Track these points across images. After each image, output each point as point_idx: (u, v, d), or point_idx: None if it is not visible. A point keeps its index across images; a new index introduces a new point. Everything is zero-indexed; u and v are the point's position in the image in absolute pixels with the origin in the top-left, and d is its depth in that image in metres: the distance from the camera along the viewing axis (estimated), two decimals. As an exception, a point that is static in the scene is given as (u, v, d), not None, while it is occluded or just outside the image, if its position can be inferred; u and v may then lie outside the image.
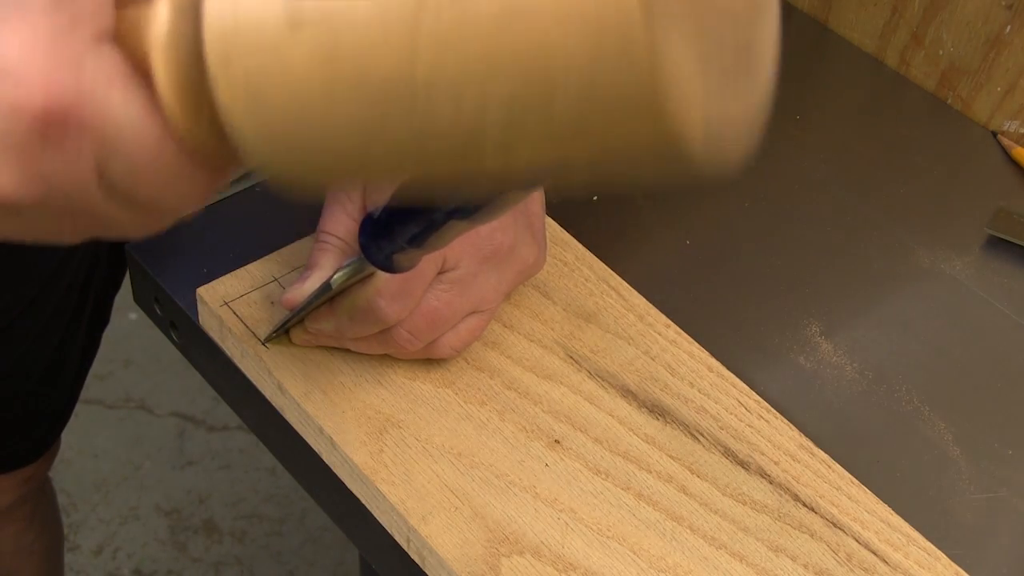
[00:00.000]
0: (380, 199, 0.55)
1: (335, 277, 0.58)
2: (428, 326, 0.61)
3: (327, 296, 0.59)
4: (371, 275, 0.58)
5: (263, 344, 0.64)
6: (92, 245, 0.89)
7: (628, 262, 0.72)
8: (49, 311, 0.87)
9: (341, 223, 0.61)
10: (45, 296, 0.86)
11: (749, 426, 0.64)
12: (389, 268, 0.55)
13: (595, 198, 0.78)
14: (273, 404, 0.64)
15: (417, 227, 0.51)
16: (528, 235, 0.63)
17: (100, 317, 0.98)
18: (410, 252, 0.53)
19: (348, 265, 0.57)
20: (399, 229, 0.52)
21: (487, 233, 0.60)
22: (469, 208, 0.48)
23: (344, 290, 0.59)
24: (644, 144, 0.33)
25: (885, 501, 0.62)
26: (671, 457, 0.62)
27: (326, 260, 0.60)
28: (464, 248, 0.60)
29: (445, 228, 0.50)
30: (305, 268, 0.61)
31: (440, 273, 0.60)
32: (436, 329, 0.61)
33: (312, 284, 0.60)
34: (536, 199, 0.65)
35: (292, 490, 1.71)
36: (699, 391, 0.65)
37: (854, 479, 0.63)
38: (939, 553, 0.61)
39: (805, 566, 0.59)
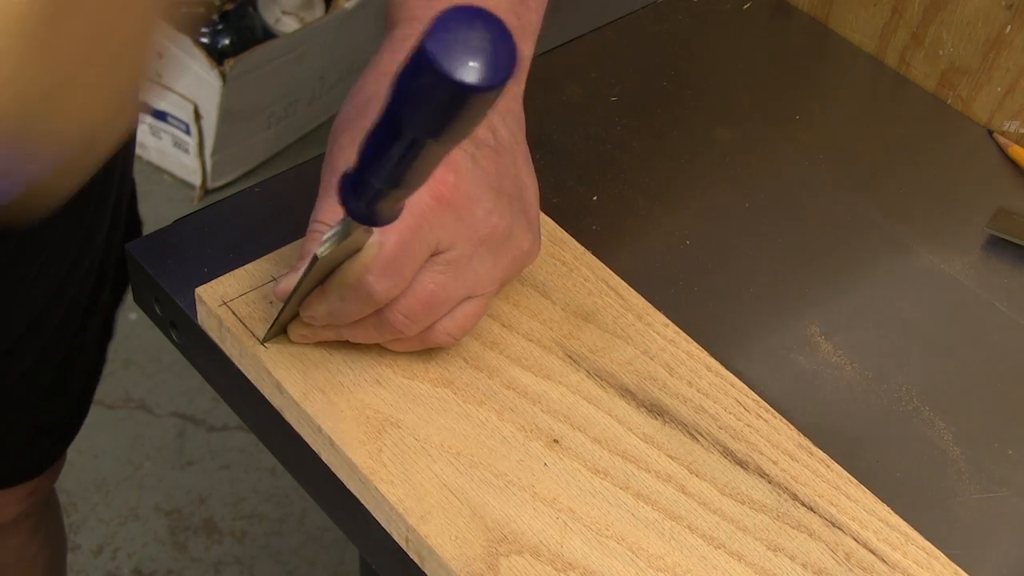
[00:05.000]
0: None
1: (321, 249, 0.57)
2: (423, 309, 0.60)
3: (316, 273, 0.59)
4: (359, 251, 0.57)
5: (262, 344, 0.64)
6: (97, 263, 0.89)
7: (628, 262, 0.72)
8: (50, 331, 0.87)
9: (334, 211, 0.60)
10: (46, 317, 0.86)
11: (748, 425, 0.64)
12: (373, 220, 0.54)
13: (595, 198, 0.78)
14: (272, 404, 0.64)
15: (390, 162, 0.50)
16: (523, 221, 0.63)
17: (107, 331, 0.98)
18: (390, 196, 0.52)
19: (332, 233, 0.57)
20: (374, 171, 0.51)
21: (483, 216, 0.60)
22: (434, 127, 0.47)
23: (334, 271, 0.59)
24: None
25: (885, 501, 0.62)
26: (670, 456, 0.62)
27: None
28: (459, 230, 0.60)
29: (420, 157, 0.49)
30: (298, 259, 0.61)
31: (434, 255, 0.60)
32: (432, 312, 0.61)
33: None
34: (531, 189, 0.64)
35: (292, 490, 1.71)
36: (698, 390, 0.65)
37: (852, 478, 0.63)
38: (937, 552, 0.61)
39: (804, 565, 0.59)
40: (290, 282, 0.60)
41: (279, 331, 0.64)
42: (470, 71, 0.45)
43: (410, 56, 0.46)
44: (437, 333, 0.62)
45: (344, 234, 0.56)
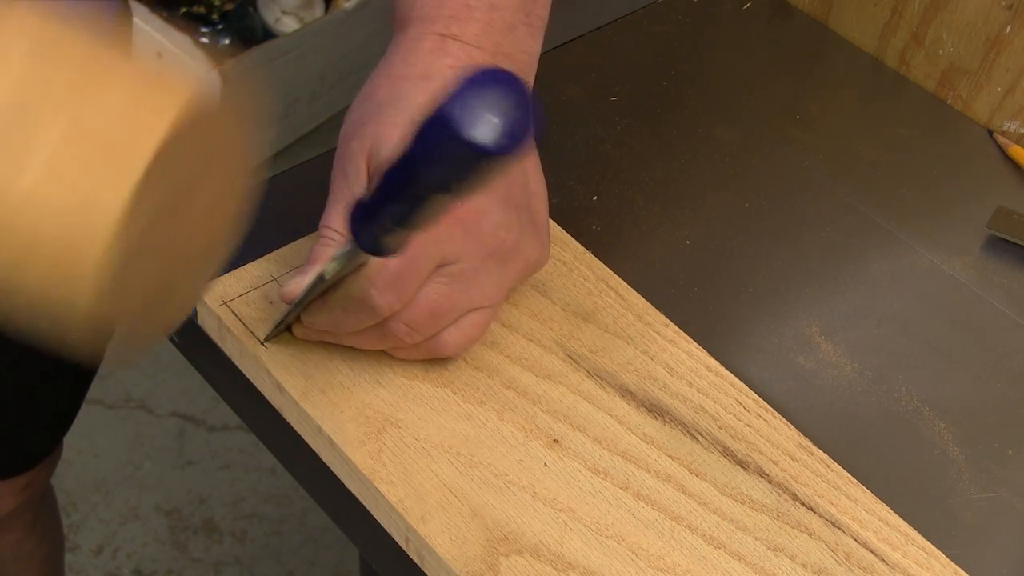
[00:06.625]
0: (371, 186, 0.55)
1: (327, 267, 0.58)
2: (426, 319, 0.60)
3: (321, 288, 0.59)
4: (364, 265, 0.58)
5: (262, 344, 0.64)
6: None
7: (628, 262, 0.72)
8: None
9: (343, 219, 0.60)
10: None
11: (748, 425, 0.64)
12: (378, 251, 0.55)
13: (595, 198, 0.78)
14: (272, 404, 0.64)
15: (402, 206, 0.51)
16: (532, 232, 0.63)
17: None
18: (398, 233, 0.53)
19: (339, 254, 0.57)
20: (386, 210, 0.52)
21: (490, 230, 0.60)
22: (449, 183, 0.48)
23: (338, 282, 0.59)
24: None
25: (885, 501, 0.62)
26: (670, 456, 0.62)
27: (327, 255, 0.60)
28: (466, 243, 0.60)
29: (429, 204, 0.50)
30: (306, 263, 0.61)
31: (439, 267, 0.60)
32: (435, 323, 0.61)
33: (311, 277, 0.60)
34: (540, 197, 0.64)
35: (292, 490, 1.71)
36: (698, 390, 0.65)
37: (852, 478, 0.63)
38: (937, 552, 0.61)
39: (804, 565, 0.59)
40: (296, 287, 0.60)
41: (282, 331, 0.64)
42: (488, 136, 0.45)
43: (430, 114, 0.46)
44: (442, 343, 0.62)
45: (351, 256, 0.57)
